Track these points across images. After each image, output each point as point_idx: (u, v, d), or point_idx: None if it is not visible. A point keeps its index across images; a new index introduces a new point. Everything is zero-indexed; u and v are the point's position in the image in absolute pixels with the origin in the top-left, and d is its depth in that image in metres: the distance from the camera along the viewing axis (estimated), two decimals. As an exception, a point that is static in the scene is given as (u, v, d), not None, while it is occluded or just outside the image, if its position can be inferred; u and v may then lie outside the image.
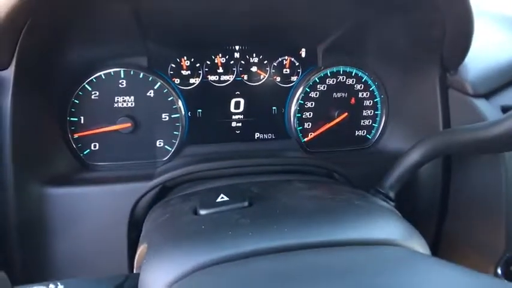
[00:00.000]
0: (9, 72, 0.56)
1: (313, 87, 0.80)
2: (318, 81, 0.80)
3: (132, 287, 0.40)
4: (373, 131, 0.84)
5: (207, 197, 0.48)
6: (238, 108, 0.79)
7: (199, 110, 0.77)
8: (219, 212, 0.45)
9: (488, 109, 0.65)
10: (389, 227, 0.41)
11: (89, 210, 0.62)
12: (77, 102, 0.71)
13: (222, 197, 0.47)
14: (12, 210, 0.57)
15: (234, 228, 0.40)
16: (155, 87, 0.74)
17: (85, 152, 0.72)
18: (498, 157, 0.61)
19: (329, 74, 0.81)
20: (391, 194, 0.61)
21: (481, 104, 0.66)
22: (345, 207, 0.46)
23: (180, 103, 0.75)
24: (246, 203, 0.46)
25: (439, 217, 0.70)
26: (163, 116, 0.75)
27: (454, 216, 0.69)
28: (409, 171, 0.63)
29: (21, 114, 0.58)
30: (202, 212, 0.45)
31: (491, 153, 0.61)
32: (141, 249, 0.45)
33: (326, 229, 0.39)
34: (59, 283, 0.36)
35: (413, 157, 0.62)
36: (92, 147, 0.73)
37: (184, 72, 0.76)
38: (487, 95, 0.66)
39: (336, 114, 0.81)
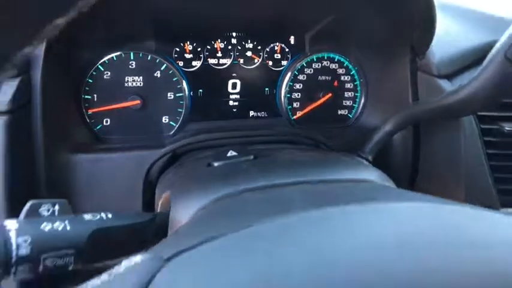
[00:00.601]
0: (40, 50, 0.63)
1: (301, 71, 0.91)
2: (305, 65, 0.91)
3: (163, 222, 0.49)
4: (353, 111, 0.95)
5: (218, 153, 0.57)
6: (235, 88, 0.88)
7: (201, 90, 0.86)
8: (230, 163, 0.54)
9: (450, 88, 0.77)
10: (368, 171, 0.52)
11: (108, 174, 0.70)
12: (91, 81, 0.79)
13: (231, 153, 0.56)
14: (42, 175, 0.65)
15: (244, 171, 0.49)
16: (161, 69, 0.82)
17: (98, 127, 0.80)
18: (458, 124, 0.73)
19: (315, 59, 0.91)
20: (370, 158, 0.72)
21: (445, 83, 0.78)
22: (332, 160, 0.56)
23: (183, 83, 0.84)
24: (251, 157, 0.56)
25: (411, 179, 0.81)
26: (168, 95, 0.83)
27: (423, 177, 0.80)
28: (384, 139, 0.75)
29: (49, 88, 0.66)
30: (216, 164, 0.55)
31: (451, 118, 0.73)
32: (164, 196, 0.54)
33: (318, 172, 0.49)
34: (108, 212, 0.45)
35: (388, 127, 0.74)
36: (104, 123, 0.81)
37: (187, 56, 0.85)
38: (449, 76, 0.78)
39: (321, 95, 0.92)
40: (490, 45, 0.69)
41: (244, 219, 0.34)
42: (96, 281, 0.30)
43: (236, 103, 0.89)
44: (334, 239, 0.28)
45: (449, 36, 0.82)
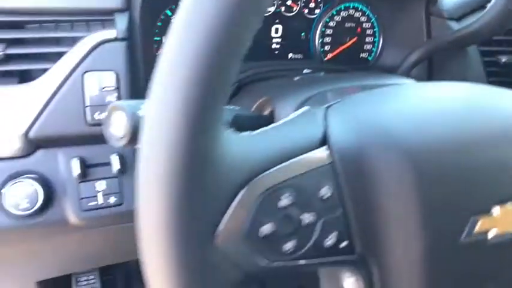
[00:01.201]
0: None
1: (331, 18, 1.06)
2: (335, 13, 1.06)
3: (268, 119, 0.64)
4: (372, 54, 1.12)
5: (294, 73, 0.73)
6: (277, 33, 1.03)
7: (250, 34, 1.00)
8: (309, 76, 0.70)
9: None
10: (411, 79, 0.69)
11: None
12: (160, 25, 0.91)
13: (306, 70, 0.72)
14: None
15: (326, 79, 0.65)
16: (219, 14, 0.95)
17: (165, 66, 0.93)
18: (466, 58, 0.91)
19: (343, 8, 1.06)
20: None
21: (454, 25, 0.96)
22: (382, 73, 0.74)
23: (237, 27, 0.97)
24: (322, 73, 0.71)
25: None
26: (224, 38, 0.97)
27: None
28: (404, 73, 0.93)
29: (141, 26, 0.78)
30: (295, 78, 0.70)
31: (460, 48, 0.91)
32: (261, 101, 0.68)
33: (377, 79, 0.66)
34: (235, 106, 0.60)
35: (408, 61, 0.93)
36: (171, 62, 0.93)
37: (239, 3, 0.98)
38: (458, 19, 0.96)
39: (348, 39, 1.08)
40: (493, -8, 0.87)
41: None
42: (279, 123, 0.45)
43: (278, 46, 1.03)
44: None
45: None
